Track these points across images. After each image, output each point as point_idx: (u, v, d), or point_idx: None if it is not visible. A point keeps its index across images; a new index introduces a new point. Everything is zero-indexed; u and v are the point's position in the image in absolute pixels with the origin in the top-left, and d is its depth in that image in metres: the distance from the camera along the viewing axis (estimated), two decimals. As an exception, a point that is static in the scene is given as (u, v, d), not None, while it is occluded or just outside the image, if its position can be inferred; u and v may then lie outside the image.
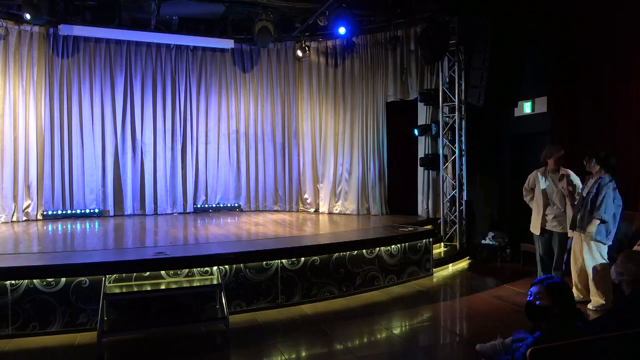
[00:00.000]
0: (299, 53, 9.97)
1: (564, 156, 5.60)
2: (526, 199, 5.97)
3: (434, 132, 8.71)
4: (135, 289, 4.82)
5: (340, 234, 7.26)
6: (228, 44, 9.72)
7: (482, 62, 7.32)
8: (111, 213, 9.44)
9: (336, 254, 5.87)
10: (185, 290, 4.96)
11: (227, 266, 5.25)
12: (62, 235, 7.50)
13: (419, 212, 9.06)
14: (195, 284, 5.03)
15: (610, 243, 5.16)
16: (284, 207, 10.35)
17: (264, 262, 5.43)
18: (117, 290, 4.70)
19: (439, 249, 8.01)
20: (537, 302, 2.75)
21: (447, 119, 8.52)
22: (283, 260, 5.51)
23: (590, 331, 2.64)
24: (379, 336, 4.70)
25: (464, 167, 8.34)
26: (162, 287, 4.88)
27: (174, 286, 4.94)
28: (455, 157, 8.38)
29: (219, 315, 4.85)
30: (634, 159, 6.02)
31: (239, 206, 10.34)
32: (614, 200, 5.12)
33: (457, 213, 8.30)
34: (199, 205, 10.09)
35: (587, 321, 2.87)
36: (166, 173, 9.82)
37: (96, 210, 9.32)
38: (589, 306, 5.24)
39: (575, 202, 5.41)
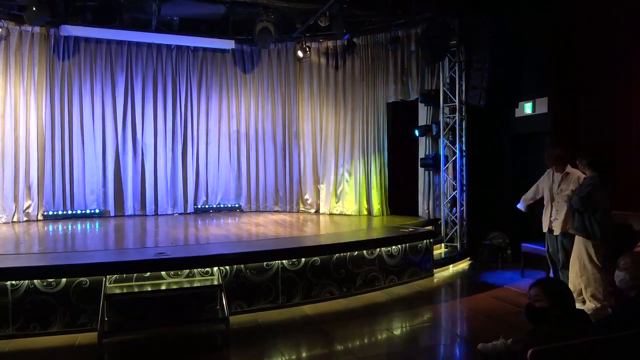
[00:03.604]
0: (300, 54, 9.97)
1: (560, 155, 5.58)
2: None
3: (434, 133, 8.71)
4: (136, 290, 4.82)
5: (340, 234, 7.26)
6: (229, 44, 9.72)
7: (483, 62, 7.33)
8: (112, 213, 9.44)
9: (337, 255, 5.87)
10: (185, 291, 4.95)
11: (227, 267, 5.25)
12: (63, 236, 7.51)
13: (420, 212, 9.06)
14: (196, 284, 5.03)
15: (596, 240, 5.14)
16: (284, 208, 10.35)
17: (265, 263, 5.42)
18: (118, 291, 4.70)
19: (440, 250, 8.01)
20: (536, 304, 2.74)
21: (448, 119, 8.51)
22: (284, 261, 5.51)
23: (593, 332, 2.63)
24: (379, 337, 4.70)
25: (464, 168, 8.33)
26: (163, 287, 4.88)
27: (174, 287, 4.94)
28: (456, 158, 8.37)
29: (219, 316, 4.85)
30: (634, 159, 6.02)
31: (240, 207, 10.34)
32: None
33: (457, 214, 8.29)
34: (199, 206, 10.09)
35: (591, 321, 2.85)
36: (167, 173, 9.82)
37: (97, 211, 9.32)
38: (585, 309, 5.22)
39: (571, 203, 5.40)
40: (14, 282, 4.55)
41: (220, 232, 7.78)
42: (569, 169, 5.59)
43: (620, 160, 6.20)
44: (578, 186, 5.28)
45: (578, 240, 5.25)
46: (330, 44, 9.99)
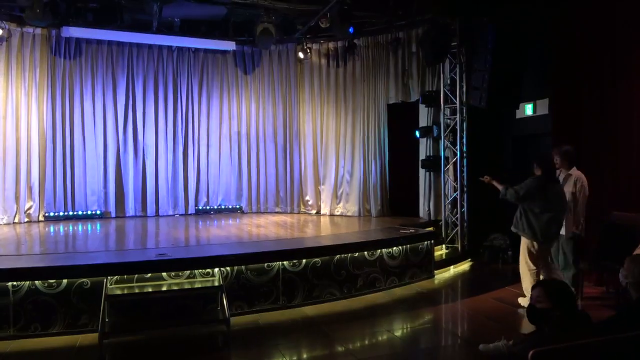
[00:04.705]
0: (301, 55, 9.97)
1: (564, 154, 5.57)
2: None
3: (435, 134, 8.71)
4: (137, 291, 4.83)
5: (341, 235, 7.26)
6: (229, 45, 9.73)
7: (484, 63, 7.32)
8: (113, 214, 9.43)
9: (337, 256, 5.87)
10: (186, 292, 4.96)
11: (228, 268, 5.25)
12: (64, 237, 7.51)
13: (421, 214, 9.05)
14: (197, 285, 5.04)
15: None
16: (285, 209, 10.34)
17: (266, 264, 5.43)
18: (119, 292, 4.71)
19: (441, 251, 8.00)
20: (538, 305, 2.75)
21: (449, 120, 8.51)
22: (284, 262, 5.51)
23: (595, 333, 2.63)
24: (380, 338, 4.70)
25: (465, 169, 8.33)
26: (164, 288, 4.89)
27: (175, 288, 4.94)
28: (456, 159, 8.37)
29: (220, 317, 4.85)
30: (635, 160, 6.01)
31: (241, 208, 10.34)
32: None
33: (458, 215, 8.29)
34: (200, 207, 10.09)
35: (592, 323, 2.86)
36: (168, 175, 9.82)
37: (98, 212, 9.31)
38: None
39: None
40: (15, 283, 4.55)
41: (221, 233, 7.79)
42: (573, 170, 5.56)
43: (622, 161, 6.20)
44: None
45: (522, 239, 5.37)
46: (331, 45, 9.99)
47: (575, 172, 5.56)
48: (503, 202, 8.30)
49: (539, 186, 5.18)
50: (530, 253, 5.27)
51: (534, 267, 5.27)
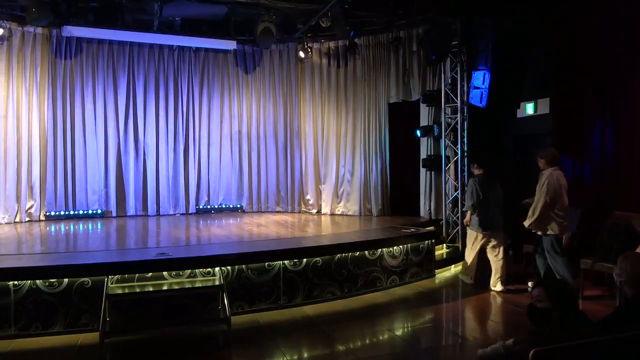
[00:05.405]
0: (301, 54, 9.96)
1: (545, 156, 5.59)
2: None
3: (436, 133, 8.71)
4: (138, 290, 4.83)
5: (342, 235, 7.26)
6: (230, 45, 9.73)
7: (485, 63, 7.32)
8: (114, 214, 9.44)
9: (338, 255, 5.87)
10: (187, 291, 4.96)
11: (229, 267, 5.25)
12: (65, 236, 7.52)
13: (421, 213, 9.05)
14: (198, 284, 5.04)
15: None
16: (286, 208, 10.34)
17: (266, 263, 5.43)
18: (120, 291, 4.71)
19: (441, 250, 8.00)
20: (538, 305, 2.75)
21: (450, 120, 8.51)
22: (285, 262, 5.52)
23: (594, 332, 2.63)
24: (381, 337, 4.70)
25: (466, 169, 8.32)
26: (165, 288, 4.89)
27: (176, 287, 4.95)
28: (457, 158, 8.36)
29: (220, 316, 4.86)
30: (636, 160, 6.01)
31: (241, 207, 10.34)
32: None
33: (459, 214, 8.28)
34: (201, 206, 10.10)
35: (591, 323, 2.86)
36: (168, 174, 9.83)
37: (99, 211, 9.33)
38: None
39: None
40: (16, 282, 4.56)
41: (222, 232, 7.79)
42: (546, 170, 5.57)
43: (622, 161, 6.19)
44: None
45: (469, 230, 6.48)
46: (332, 44, 9.99)
47: (546, 171, 5.57)
48: (503, 201, 8.32)
49: (477, 183, 6.26)
50: (476, 240, 6.40)
51: (476, 250, 6.42)
